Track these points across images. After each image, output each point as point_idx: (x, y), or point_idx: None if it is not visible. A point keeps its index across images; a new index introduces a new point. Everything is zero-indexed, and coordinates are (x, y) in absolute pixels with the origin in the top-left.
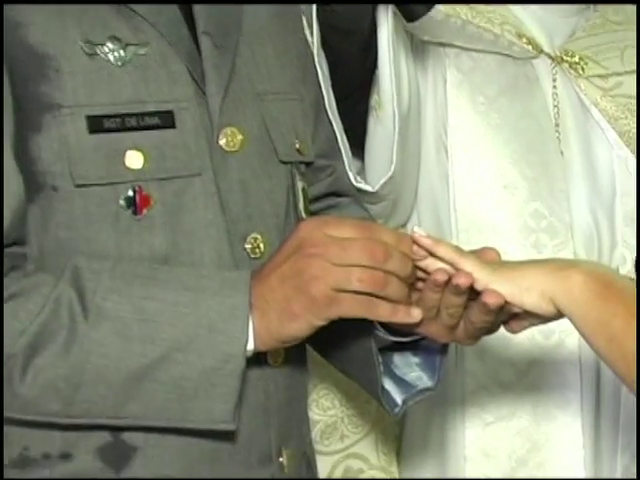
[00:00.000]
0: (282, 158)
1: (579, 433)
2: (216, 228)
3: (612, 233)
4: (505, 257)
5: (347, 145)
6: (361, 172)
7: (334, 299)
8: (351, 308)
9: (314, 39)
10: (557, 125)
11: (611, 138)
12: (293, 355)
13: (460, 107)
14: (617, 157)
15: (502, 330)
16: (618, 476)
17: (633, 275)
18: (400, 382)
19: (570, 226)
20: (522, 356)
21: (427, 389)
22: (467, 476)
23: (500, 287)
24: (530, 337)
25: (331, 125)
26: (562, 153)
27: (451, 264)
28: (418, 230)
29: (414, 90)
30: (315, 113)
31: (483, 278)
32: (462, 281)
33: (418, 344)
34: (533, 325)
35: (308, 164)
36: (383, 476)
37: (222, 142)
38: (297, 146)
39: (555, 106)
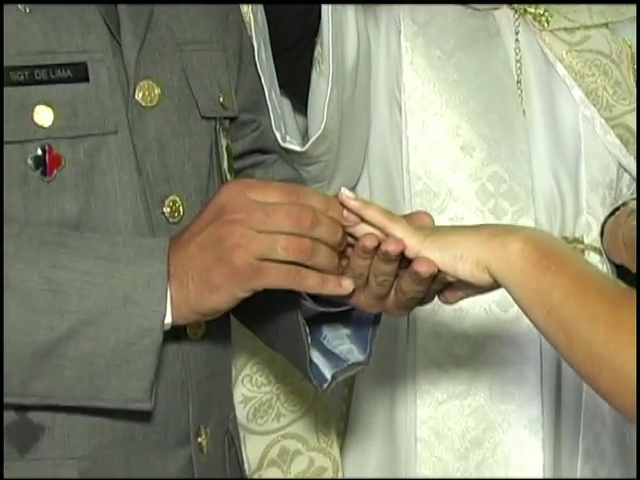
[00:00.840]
0: (204, 113)
1: (538, 412)
2: (132, 190)
3: (576, 199)
4: (462, 223)
5: (276, 101)
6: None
7: (258, 269)
8: (276, 278)
9: None
10: (519, 82)
11: (577, 96)
12: (215, 328)
13: (415, 62)
14: (583, 117)
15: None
16: (579, 460)
17: (597, 244)
18: (330, 355)
19: (531, 191)
20: (478, 330)
21: (358, 363)
22: (418, 457)
23: (432, 255)
24: (487, 309)
25: (259, 78)
26: (524, 112)
27: (381, 229)
28: (345, 192)
29: (363, 42)
30: (238, 63)
31: (414, 245)
32: (392, 248)
33: (349, 315)
34: (469, 296)
35: (232, 119)
36: (322, 458)
37: (139, 97)
38: (220, 100)
39: (517, 61)
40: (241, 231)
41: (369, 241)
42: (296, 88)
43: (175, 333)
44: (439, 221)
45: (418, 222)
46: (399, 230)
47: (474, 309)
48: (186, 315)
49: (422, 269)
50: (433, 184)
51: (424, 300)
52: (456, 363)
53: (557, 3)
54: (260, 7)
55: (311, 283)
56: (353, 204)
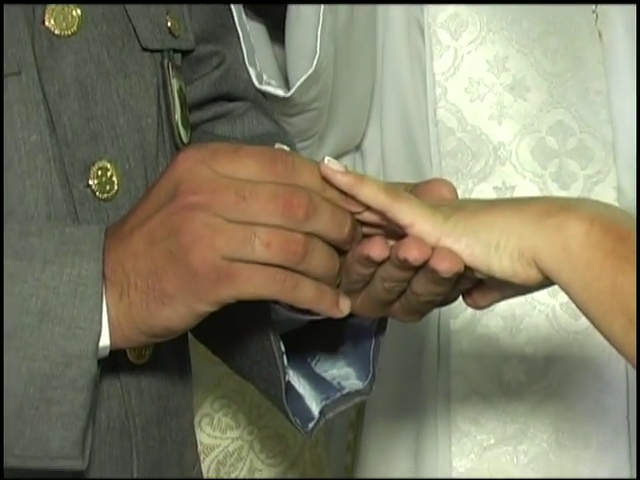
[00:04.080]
0: (146, 44)
1: (625, 460)
2: (43, 155)
3: None
4: (513, 195)
5: (246, 24)
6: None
7: (226, 273)
8: (253, 286)
9: None
10: None
11: None
12: (166, 346)
13: None
14: None
15: (505, 306)
16: None
17: None
18: (319, 383)
19: (612, 147)
20: (538, 345)
21: (357, 392)
22: None
23: (456, 244)
24: (549, 316)
25: None
26: (600, 35)
27: (382, 212)
28: (330, 162)
29: None
30: None
31: (431, 231)
32: (414, 255)
33: (343, 323)
34: (507, 297)
35: (185, 53)
36: None
37: (50, 23)
38: (169, 25)
39: None
40: (204, 219)
41: (377, 251)
42: (269, 6)
43: (110, 355)
44: (481, 191)
45: (434, 195)
46: (407, 212)
47: (531, 316)
48: (129, 335)
49: (443, 266)
50: (471, 140)
51: (444, 302)
52: (507, 393)
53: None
54: None
55: (305, 296)
56: (341, 179)
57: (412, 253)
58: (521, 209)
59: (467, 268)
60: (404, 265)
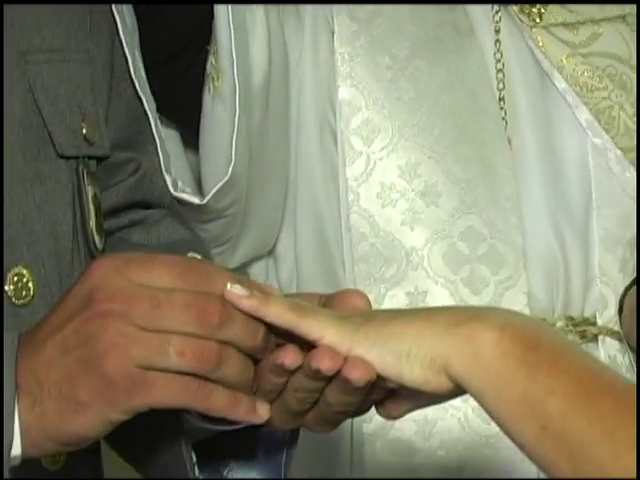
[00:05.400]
0: (62, 151)
1: None
2: None
3: (586, 263)
4: (425, 299)
5: (161, 132)
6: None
7: (140, 381)
8: (167, 395)
9: None
10: (502, 100)
11: (583, 119)
12: (80, 452)
13: (355, 74)
14: (592, 147)
15: (419, 410)
16: None
17: (616, 326)
18: None
19: (523, 252)
20: (450, 450)
21: None
22: None
23: (368, 353)
24: (461, 420)
25: (139, 99)
26: (509, 142)
27: (291, 329)
28: (234, 288)
29: (277, 49)
30: (109, 81)
31: (341, 342)
32: (326, 365)
33: (257, 432)
34: (419, 407)
35: (101, 159)
36: None
37: None
38: (84, 132)
39: (499, 71)
40: (118, 327)
41: (290, 359)
42: (182, 114)
43: (24, 461)
44: (393, 297)
45: (348, 305)
46: (316, 326)
47: (444, 419)
48: (42, 444)
49: (355, 375)
50: (384, 245)
51: (357, 412)
52: None
53: (546, 3)
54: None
55: (219, 404)
56: (246, 304)
57: (324, 363)
58: (432, 319)
59: (379, 377)
60: (316, 375)
